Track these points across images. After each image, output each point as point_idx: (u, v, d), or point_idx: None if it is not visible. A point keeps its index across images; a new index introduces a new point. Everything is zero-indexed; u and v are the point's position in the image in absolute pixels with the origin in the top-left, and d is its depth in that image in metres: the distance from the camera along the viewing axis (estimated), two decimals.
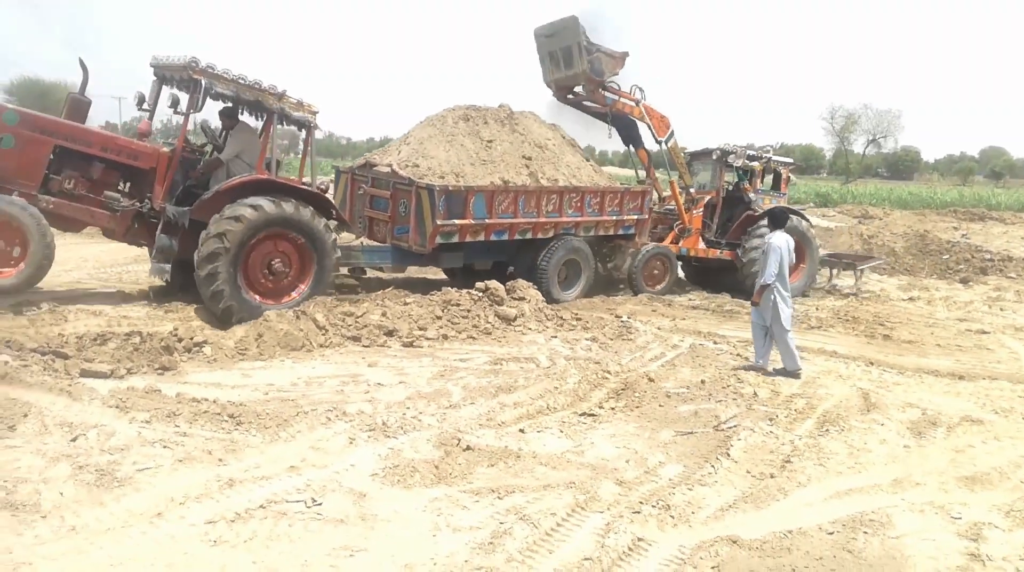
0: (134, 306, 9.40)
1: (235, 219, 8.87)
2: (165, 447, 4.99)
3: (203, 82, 9.04)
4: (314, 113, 9.98)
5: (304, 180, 10.14)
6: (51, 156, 8.99)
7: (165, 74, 9.68)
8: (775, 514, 4.82)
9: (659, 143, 14.00)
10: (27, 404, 5.34)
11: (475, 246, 11.60)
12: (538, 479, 5.09)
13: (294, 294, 9.60)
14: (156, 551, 3.80)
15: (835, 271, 15.81)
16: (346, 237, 12.24)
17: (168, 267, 9.48)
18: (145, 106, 10.01)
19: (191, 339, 8.04)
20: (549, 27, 13.32)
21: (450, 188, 10.78)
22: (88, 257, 13.58)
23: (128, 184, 9.67)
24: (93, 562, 3.66)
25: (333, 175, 13.11)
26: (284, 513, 4.27)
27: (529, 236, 11.91)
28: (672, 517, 4.61)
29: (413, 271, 13.12)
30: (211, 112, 10.31)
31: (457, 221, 10.89)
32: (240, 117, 10.08)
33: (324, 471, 4.92)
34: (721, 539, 4.29)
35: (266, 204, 9.07)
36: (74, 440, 4.99)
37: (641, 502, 4.79)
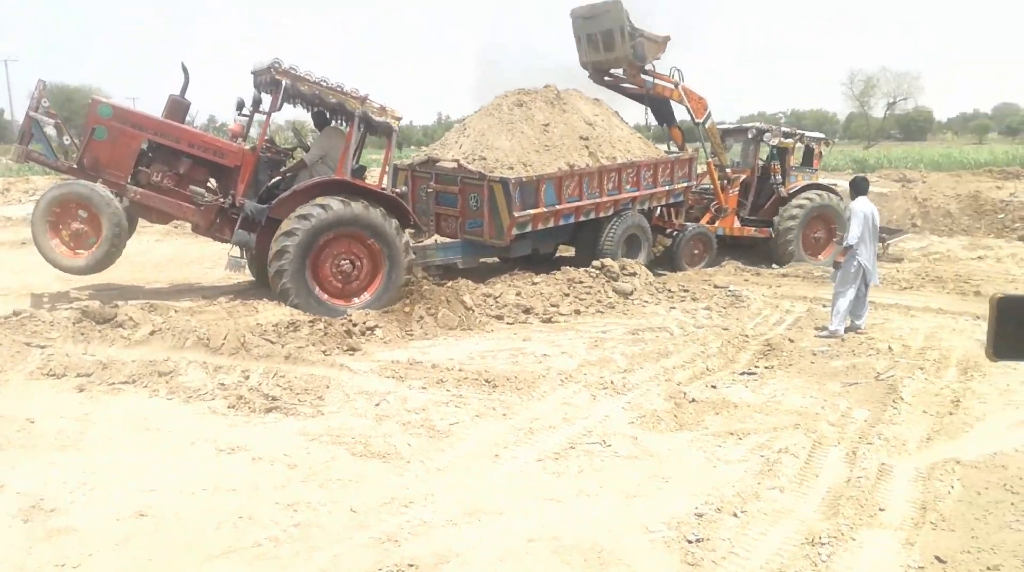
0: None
1: (303, 218, 9.13)
2: (457, 407, 5.97)
3: (284, 83, 9.25)
4: (397, 119, 10.19)
5: (382, 185, 10.40)
6: (141, 150, 9.50)
7: (260, 79, 9.92)
8: (970, 443, 5.73)
9: (697, 124, 14.34)
10: (324, 378, 6.32)
11: (541, 232, 11.93)
12: (761, 424, 6.02)
13: (365, 295, 9.74)
14: (518, 481, 4.78)
15: None
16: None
17: (244, 262, 9.91)
18: (245, 111, 10.47)
19: (364, 324, 8.89)
20: (588, 9, 13.55)
21: (524, 180, 11.02)
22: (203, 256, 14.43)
23: (215, 181, 10.03)
24: (478, 490, 4.64)
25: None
26: (590, 452, 5.24)
27: (592, 216, 12.30)
28: (894, 448, 5.54)
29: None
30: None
31: (531, 211, 11.21)
32: (333, 122, 10.53)
33: (588, 421, 5.87)
34: (948, 460, 5.22)
35: (335, 204, 9.26)
36: (377, 405, 5.98)
37: (860, 437, 5.72)
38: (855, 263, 9.05)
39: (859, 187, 9.42)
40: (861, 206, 9.11)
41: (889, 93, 75.69)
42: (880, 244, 15.53)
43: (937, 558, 3.96)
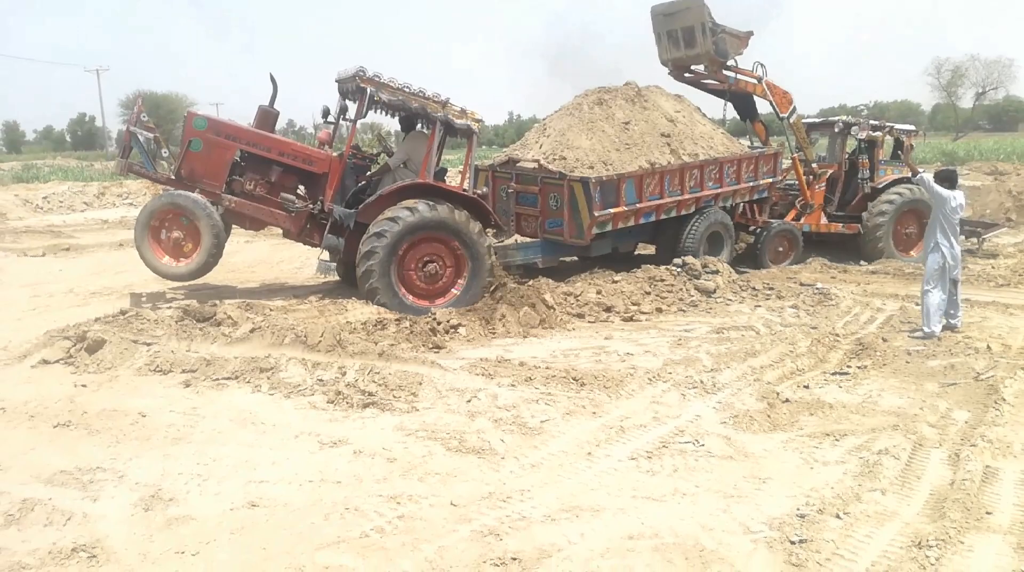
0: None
1: (392, 220, 9.32)
2: (547, 404, 6.04)
3: (369, 90, 9.48)
4: (477, 121, 10.34)
5: (464, 187, 10.52)
6: (235, 159, 9.85)
7: (345, 87, 10.14)
8: None
9: (781, 119, 14.10)
10: (417, 374, 6.47)
11: (622, 231, 11.88)
12: (858, 425, 5.90)
13: (448, 296, 9.88)
14: (612, 478, 4.82)
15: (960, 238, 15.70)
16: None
17: (334, 266, 10.15)
18: (330, 118, 10.75)
19: (448, 322, 9.00)
20: (669, 6, 13.44)
21: (604, 179, 11.02)
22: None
23: (304, 187, 10.31)
24: (573, 487, 4.70)
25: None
26: (683, 452, 5.23)
27: (674, 214, 12.18)
28: (998, 450, 5.37)
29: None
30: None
31: (611, 210, 11.18)
32: (417, 126, 10.64)
33: (679, 420, 5.86)
34: None
35: (422, 207, 9.43)
36: (469, 401, 6.09)
37: (963, 439, 5.56)
38: (938, 258, 8.73)
39: (950, 179, 9.01)
40: (950, 193, 8.79)
41: (978, 83, 72.79)
42: (975, 238, 15.11)
43: None
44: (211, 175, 9.72)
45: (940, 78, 73.62)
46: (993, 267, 13.17)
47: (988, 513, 4.42)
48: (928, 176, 8.94)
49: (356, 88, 9.65)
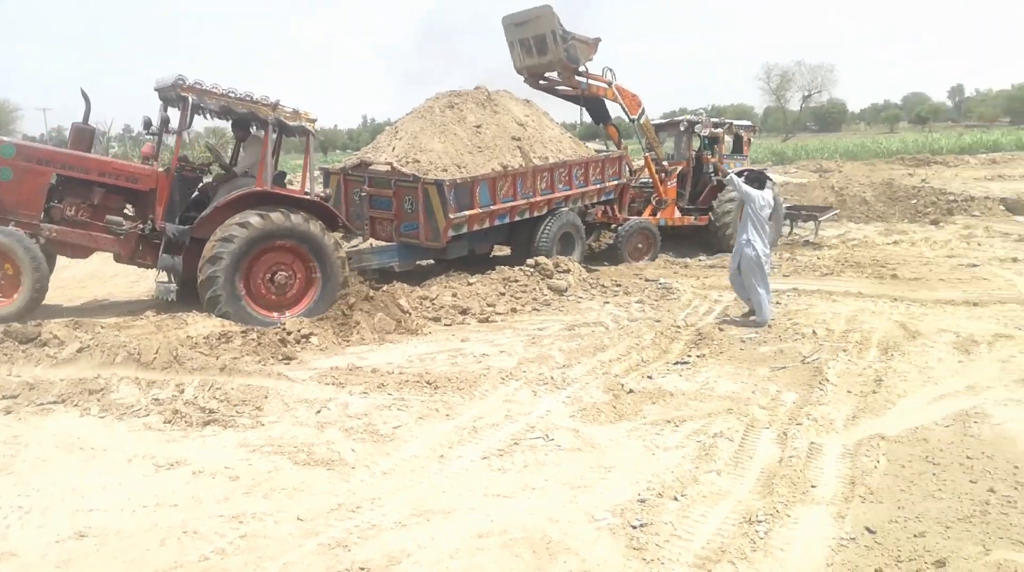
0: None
1: (242, 226, 8.96)
2: (399, 410, 5.98)
3: (191, 99, 9.04)
4: (312, 121, 10.04)
5: (305, 189, 10.20)
6: (51, 185, 9.13)
7: (166, 96, 9.62)
8: (893, 419, 6.01)
9: (632, 121, 14.79)
10: (262, 388, 6.25)
11: (477, 233, 12.05)
12: (696, 410, 6.20)
13: (299, 307, 9.55)
14: (464, 479, 4.83)
15: (796, 223, 17.11)
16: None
17: (173, 287, 9.65)
18: (153, 130, 10.05)
19: (299, 332, 8.77)
20: (520, 15, 13.77)
21: (458, 181, 11.15)
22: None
23: (132, 207, 9.74)
24: (425, 491, 4.67)
25: (320, 176, 13.14)
26: (534, 447, 5.33)
27: (527, 216, 12.51)
28: (822, 427, 5.78)
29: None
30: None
31: (466, 212, 11.32)
32: (253, 130, 10.31)
33: (531, 416, 5.97)
34: (873, 437, 5.48)
35: (275, 215, 9.13)
36: (318, 412, 5.94)
37: (790, 419, 5.95)
38: (751, 253, 9.30)
39: (759, 180, 9.70)
40: (758, 193, 9.45)
41: (804, 86, 78.54)
42: (812, 222, 16.35)
43: (867, 529, 4.17)
44: (25, 205, 8.93)
45: (770, 82, 79.01)
46: (819, 258, 14.18)
47: (813, 486, 4.76)
48: (735, 176, 9.58)
49: (177, 97, 9.18)
